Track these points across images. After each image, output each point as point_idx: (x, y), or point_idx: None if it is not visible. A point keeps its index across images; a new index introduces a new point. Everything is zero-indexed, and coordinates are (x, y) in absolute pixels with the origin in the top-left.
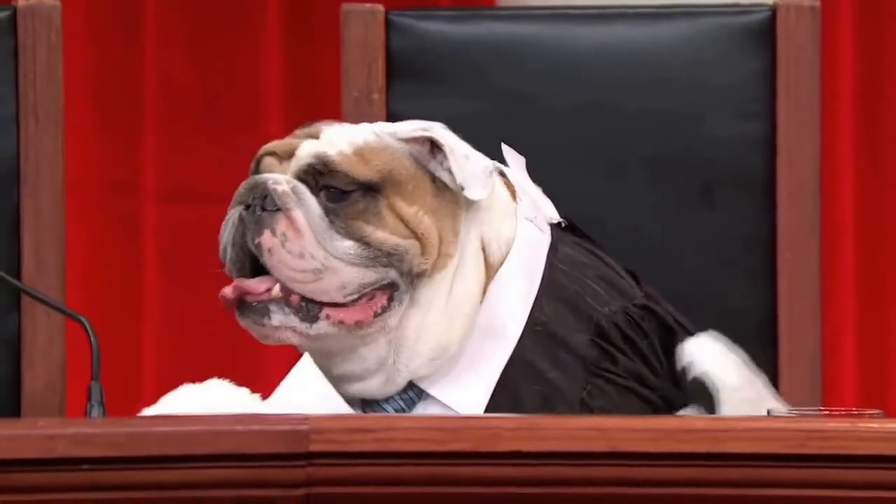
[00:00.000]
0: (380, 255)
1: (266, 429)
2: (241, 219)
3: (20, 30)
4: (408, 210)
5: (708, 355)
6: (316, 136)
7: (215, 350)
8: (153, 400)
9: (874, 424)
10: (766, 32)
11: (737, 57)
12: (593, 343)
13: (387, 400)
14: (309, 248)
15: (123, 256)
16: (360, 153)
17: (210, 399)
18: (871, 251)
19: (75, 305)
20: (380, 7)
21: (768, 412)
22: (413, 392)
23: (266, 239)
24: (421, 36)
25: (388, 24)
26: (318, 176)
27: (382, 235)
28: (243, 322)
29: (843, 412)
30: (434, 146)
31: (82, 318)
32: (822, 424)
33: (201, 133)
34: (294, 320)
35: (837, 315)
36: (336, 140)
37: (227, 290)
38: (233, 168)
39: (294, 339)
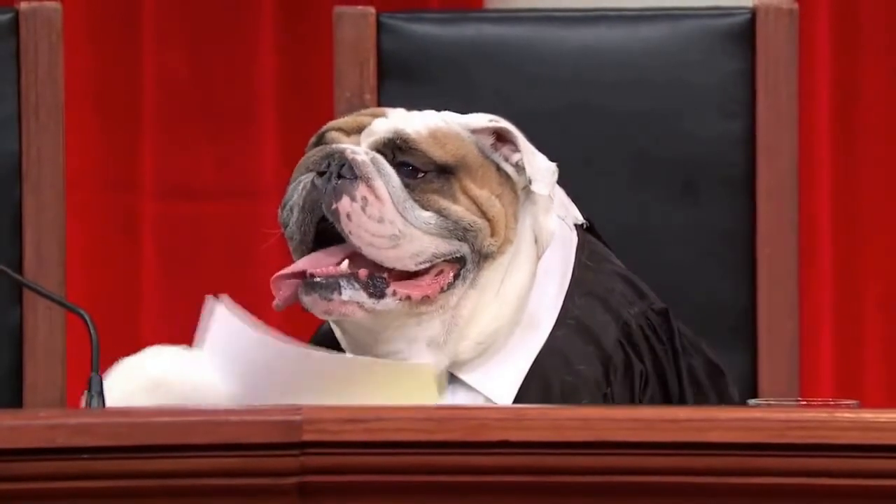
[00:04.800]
0: (456, 229)
1: (260, 419)
2: (313, 185)
3: (22, 31)
4: (479, 192)
5: None
6: (379, 114)
7: None
8: None
9: (851, 414)
10: (745, 34)
11: (718, 58)
12: (619, 342)
13: None
14: (388, 214)
15: (123, 252)
16: (435, 136)
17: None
18: (848, 246)
19: (76, 299)
20: (371, 9)
21: (747, 403)
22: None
23: (345, 204)
24: (411, 37)
25: (380, 25)
26: (397, 151)
27: (459, 210)
28: (307, 299)
29: (820, 402)
30: (499, 139)
31: (82, 312)
32: (801, 414)
33: (198, 132)
34: (362, 295)
35: (815, 308)
36: (411, 120)
37: (288, 271)
38: (229, 166)
39: (357, 314)
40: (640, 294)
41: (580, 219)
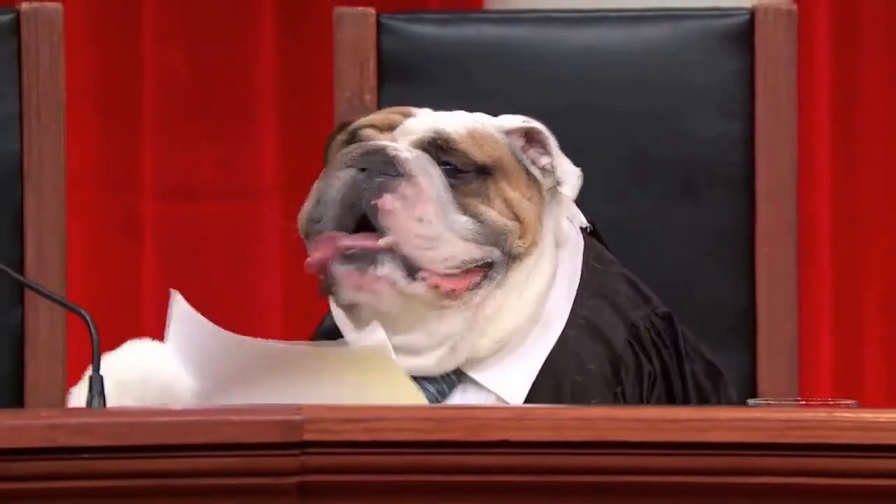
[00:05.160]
0: (489, 234)
1: (261, 419)
2: (354, 181)
3: (23, 32)
4: (513, 194)
5: None
6: (408, 114)
7: None
8: None
9: (850, 414)
10: (745, 35)
11: (717, 58)
12: (628, 342)
13: (427, 379)
14: (429, 214)
15: (123, 251)
16: (473, 136)
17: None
18: (847, 247)
19: (76, 299)
20: (371, 10)
21: (747, 403)
22: (454, 374)
23: (387, 201)
24: (411, 38)
25: (380, 26)
26: (439, 151)
27: (493, 214)
28: (343, 269)
29: (819, 402)
30: (529, 140)
31: (83, 312)
32: (801, 414)
33: (199, 132)
34: (398, 274)
35: (814, 308)
36: (448, 120)
37: (321, 246)
38: (229, 165)
39: (387, 294)
40: (644, 298)
41: (584, 222)
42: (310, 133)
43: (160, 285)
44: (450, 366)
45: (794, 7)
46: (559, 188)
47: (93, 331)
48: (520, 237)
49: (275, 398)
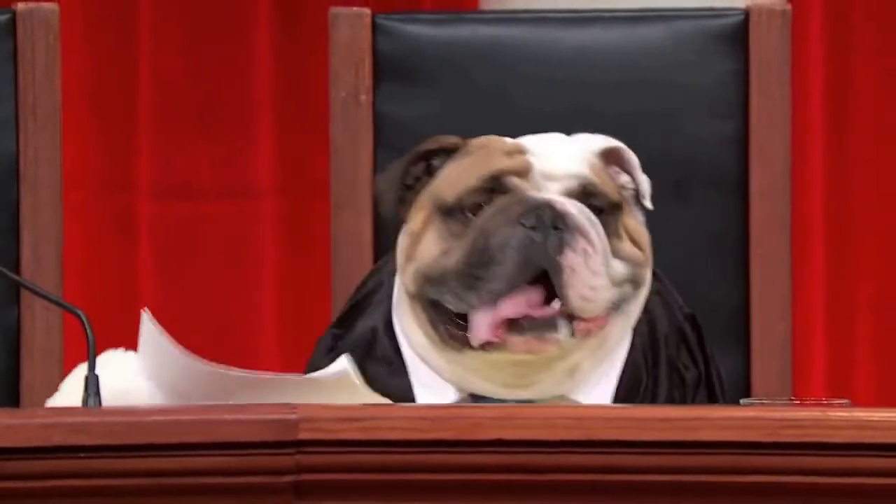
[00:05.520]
0: (631, 272)
1: (256, 418)
2: (531, 240)
3: (19, 32)
4: (631, 223)
5: None
6: (524, 150)
7: (208, 343)
8: None
9: (843, 413)
10: (739, 35)
11: (711, 59)
12: (675, 339)
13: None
14: (599, 266)
15: (119, 252)
16: (597, 172)
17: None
18: (840, 247)
19: (73, 299)
20: (366, 10)
21: (740, 402)
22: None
23: (569, 257)
24: (406, 38)
25: (375, 26)
26: (586, 196)
27: (628, 249)
28: (518, 339)
29: (813, 402)
30: (608, 159)
31: (79, 312)
32: (794, 413)
33: (195, 132)
34: (565, 332)
35: (807, 308)
36: (572, 156)
37: (509, 310)
38: (225, 166)
39: (553, 352)
40: (672, 297)
41: None
42: (306, 133)
43: (156, 285)
44: (561, 392)
45: (788, 7)
46: (643, 202)
47: (88, 331)
48: (645, 267)
49: None
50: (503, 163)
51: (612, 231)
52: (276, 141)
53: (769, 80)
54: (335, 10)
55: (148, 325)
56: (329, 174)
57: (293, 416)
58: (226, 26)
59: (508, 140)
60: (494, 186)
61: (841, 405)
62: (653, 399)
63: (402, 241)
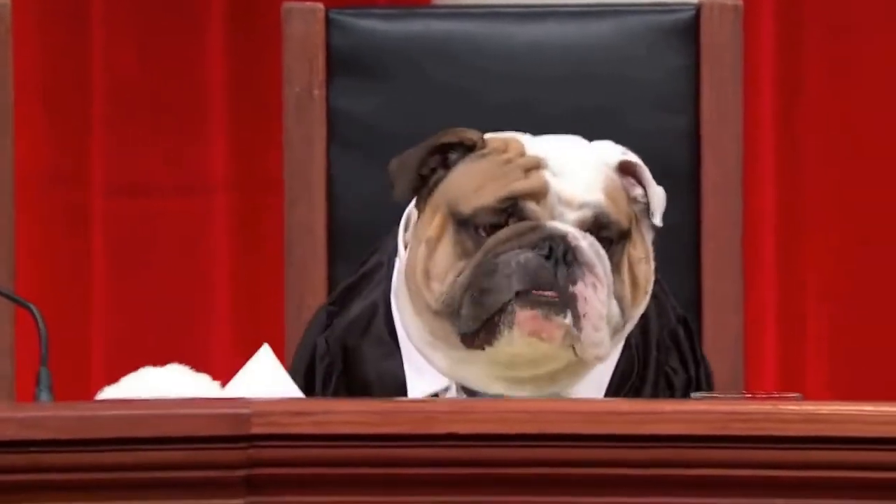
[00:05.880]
0: (619, 314)
1: (209, 412)
2: (542, 266)
3: None
4: (634, 254)
5: None
6: (541, 165)
7: (162, 338)
8: (100, 387)
9: (794, 407)
10: (690, 30)
11: (663, 53)
12: (667, 343)
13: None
14: (605, 300)
15: (72, 247)
16: (611, 196)
17: (170, 384)
18: (791, 241)
19: (25, 295)
20: (320, 5)
21: (692, 395)
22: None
23: (581, 288)
24: (360, 33)
25: (329, 21)
26: (597, 228)
27: (622, 293)
28: (529, 314)
29: (764, 395)
30: (623, 171)
31: (31, 306)
32: (744, 407)
33: (148, 128)
34: (571, 320)
35: (758, 303)
36: (589, 179)
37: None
38: (179, 162)
39: (557, 338)
40: (666, 296)
41: None
42: (259, 129)
43: (109, 280)
44: (555, 389)
45: (740, 3)
46: (651, 218)
47: (41, 325)
48: (636, 307)
49: None
50: (521, 184)
51: (614, 265)
52: (230, 136)
53: (721, 75)
54: (288, 4)
55: (265, 352)
56: (283, 169)
57: (245, 411)
58: (179, 21)
59: (527, 145)
60: (511, 209)
61: (792, 399)
62: (635, 396)
63: (420, 251)
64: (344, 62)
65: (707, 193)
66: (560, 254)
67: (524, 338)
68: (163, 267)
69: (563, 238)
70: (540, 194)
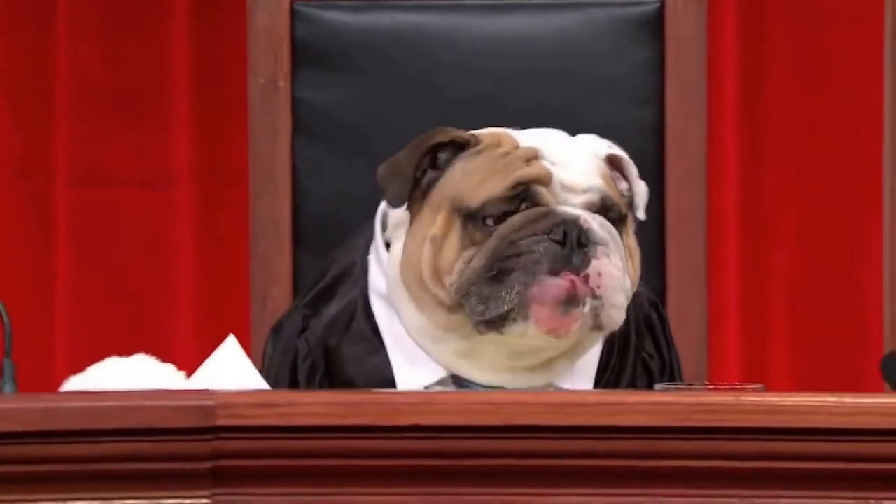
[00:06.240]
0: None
1: (174, 404)
2: (557, 254)
3: None
4: (629, 242)
5: None
6: (538, 155)
7: (125, 330)
8: (64, 377)
9: (756, 398)
10: (655, 23)
11: (628, 47)
12: (643, 327)
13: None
14: (622, 269)
15: (36, 239)
16: (607, 181)
17: (135, 374)
18: (754, 233)
19: None
20: None
21: (655, 387)
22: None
23: (598, 264)
24: (325, 25)
25: (294, 13)
26: (605, 210)
27: (629, 270)
28: (547, 313)
29: (727, 386)
30: (613, 164)
31: None
32: (707, 398)
33: (112, 119)
34: (590, 307)
35: (722, 293)
36: (586, 166)
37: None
38: (143, 153)
39: (574, 332)
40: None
41: None
42: (224, 120)
43: (73, 272)
44: (549, 380)
45: None
46: (637, 212)
47: (4, 317)
48: (635, 286)
49: None
50: (526, 171)
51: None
52: (194, 127)
53: (685, 68)
54: None
55: (231, 343)
56: (247, 161)
57: (210, 403)
58: (143, 12)
59: (519, 139)
60: (521, 195)
61: (754, 390)
62: (615, 384)
63: (426, 250)
64: (309, 54)
65: (671, 186)
66: (574, 238)
67: (540, 335)
68: (127, 258)
69: (575, 221)
70: (546, 180)
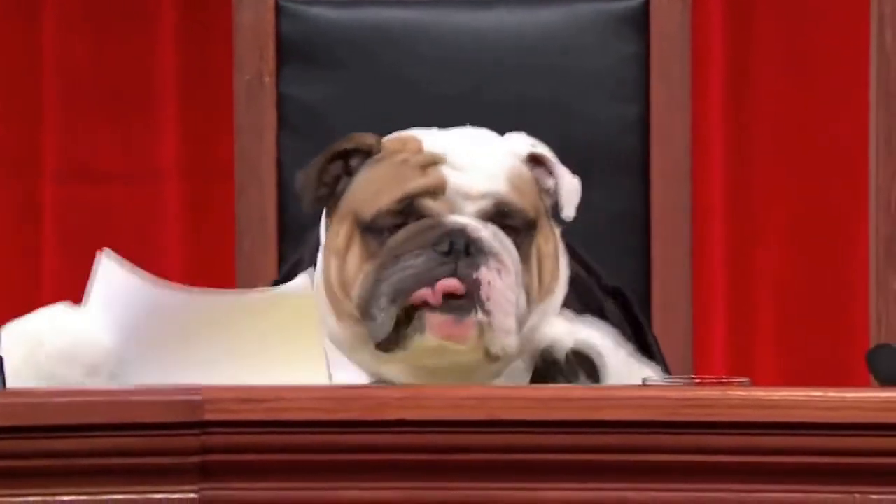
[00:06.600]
0: (524, 307)
1: (162, 399)
2: (442, 265)
3: None
4: (544, 248)
5: (573, 329)
6: (439, 160)
7: None
8: None
9: (742, 392)
10: (640, 18)
11: (612, 42)
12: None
13: None
14: (514, 286)
15: (23, 234)
16: (515, 185)
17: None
18: (739, 229)
19: None
20: None
21: (643, 381)
22: None
23: (484, 273)
24: (310, 21)
25: (279, 9)
26: (500, 217)
27: (531, 283)
28: (440, 318)
29: (713, 381)
30: (534, 163)
31: None
32: (693, 393)
33: (99, 115)
34: (483, 314)
35: (708, 289)
36: (491, 170)
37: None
38: (130, 149)
39: (470, 339)
40: (596, 276)
41: None
42: (210, 116)
43: (60, 268)
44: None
45: None
46: (561, 212)
47: None
48: (539, 297)
49: (195, 351)
50: (417, 182)
51: (522, 255)
52: (181, 123)
53: (670, 63)
54: None
55: (107, 265)
56: (233, 156)
57: (197, 398)
58: (130, 8)
59: (425, 142)
60: (408, 209)
61: (740, 384)
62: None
63: (332, 263)
64: (294, 50)
65: (656, 181)
66: (461, 247)
67: (437, 341)
68: (114, 252)
69: (462, 231)
70: (438, 190)
